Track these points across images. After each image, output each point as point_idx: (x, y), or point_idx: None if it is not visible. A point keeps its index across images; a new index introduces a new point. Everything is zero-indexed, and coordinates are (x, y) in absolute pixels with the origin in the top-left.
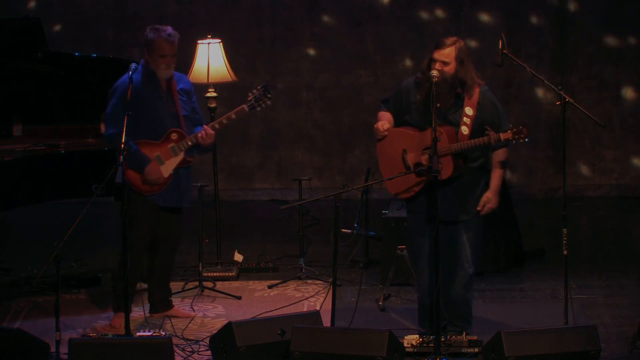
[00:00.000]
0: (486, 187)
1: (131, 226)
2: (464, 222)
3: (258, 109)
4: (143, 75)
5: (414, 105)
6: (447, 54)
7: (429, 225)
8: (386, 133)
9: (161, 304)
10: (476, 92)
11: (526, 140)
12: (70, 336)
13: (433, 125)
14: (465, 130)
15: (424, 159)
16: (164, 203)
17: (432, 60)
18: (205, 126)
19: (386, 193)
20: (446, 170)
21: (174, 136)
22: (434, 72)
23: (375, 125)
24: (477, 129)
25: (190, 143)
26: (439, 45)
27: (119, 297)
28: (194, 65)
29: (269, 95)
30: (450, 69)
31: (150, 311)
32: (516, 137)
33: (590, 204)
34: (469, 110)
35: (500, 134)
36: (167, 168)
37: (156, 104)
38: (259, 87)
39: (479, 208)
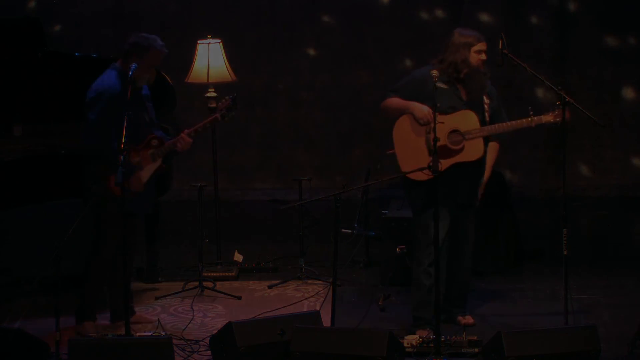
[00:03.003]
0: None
1: (102, 230)
2: (472, 206)
3: (227, 119)
4: (120, 80)
5: (437, 92)
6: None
7: (447, 211)
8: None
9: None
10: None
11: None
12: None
13: (433, 125)
14: (487, 117)
15: (450, 140)
16: (133, 209)
17: (478, 52)
18: (182, 134)
19: (386, 193)
20: (478, 151)
21: (154, 142)
22: (434, 72)
23: (422, 114)
24: (493, 114)
25: (169, 149)
26: (483, 37)
27: (88, 303)
28: (194, 65)
29: (237, 107)
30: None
31: (113, 319)
32: (557, 119)
33: (590, 204)
34: (485, 98)
35: (542, 116)
36: (145, 175)
37: (134, 110)
38: (228, 97)
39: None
